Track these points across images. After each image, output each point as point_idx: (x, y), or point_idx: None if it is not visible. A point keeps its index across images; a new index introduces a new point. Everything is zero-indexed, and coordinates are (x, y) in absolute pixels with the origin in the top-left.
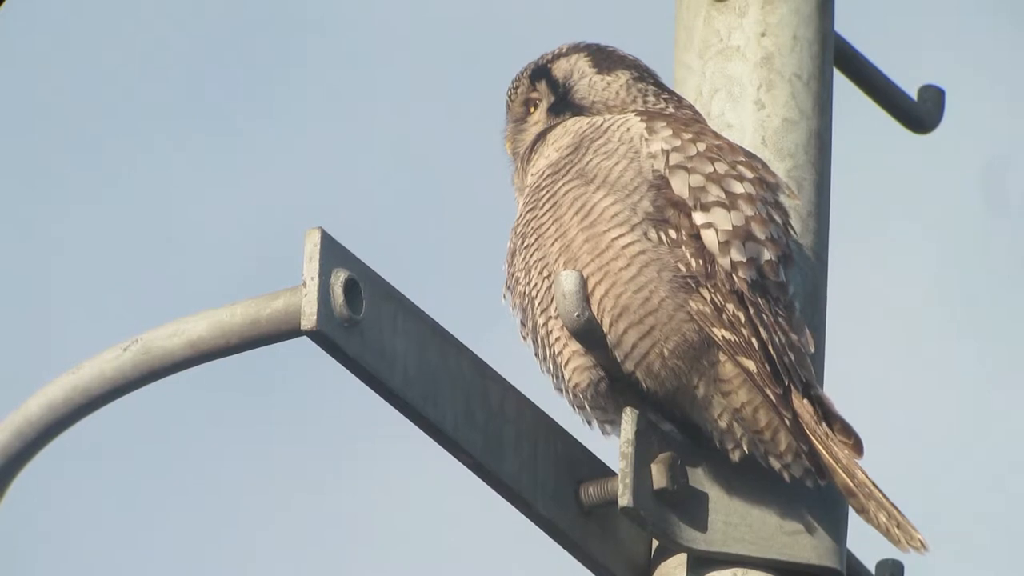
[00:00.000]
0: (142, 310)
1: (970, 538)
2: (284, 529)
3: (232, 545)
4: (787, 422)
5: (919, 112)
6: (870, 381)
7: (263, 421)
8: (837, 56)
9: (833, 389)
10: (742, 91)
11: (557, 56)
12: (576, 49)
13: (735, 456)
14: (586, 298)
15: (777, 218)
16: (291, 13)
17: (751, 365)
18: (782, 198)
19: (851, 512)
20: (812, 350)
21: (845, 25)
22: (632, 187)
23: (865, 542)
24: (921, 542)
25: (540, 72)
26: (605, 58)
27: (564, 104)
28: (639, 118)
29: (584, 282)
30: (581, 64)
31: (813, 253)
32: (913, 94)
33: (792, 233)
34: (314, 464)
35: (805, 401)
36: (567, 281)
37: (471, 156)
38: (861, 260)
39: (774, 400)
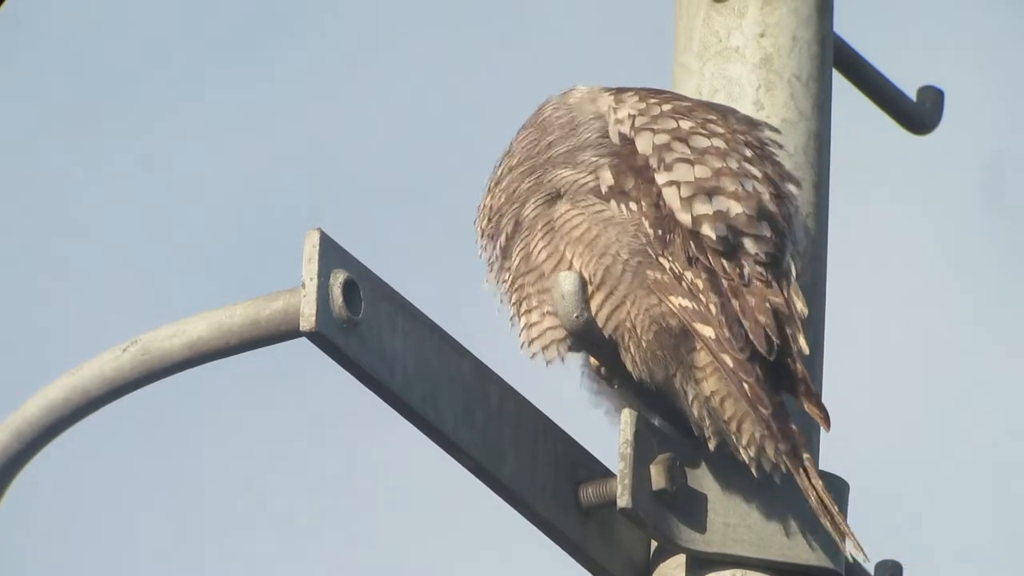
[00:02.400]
0: (142, 310)
1: (970, 537)
2: (284, 529)
3: (232, 545)
4: (746, 387)
5: (918, 113)
6: (869, 379)
7: (262, 422)
8: (836, 57)
9: (831, 386)
10: (741, 92)
11: None
12: None
13: (711, 445)
14: (586, 299)
15: (755, 171)
16: (290, 9)
17: (709, 331)
18: (770, 144)
19: (849, 514)
20: (806, 310)
21: (844, 26)
22: (589, 139)
23: (864, 543)
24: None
25: None
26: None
27: None
28: (607, 92)
29: (584, 283)
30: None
31: (812, 253)
32: (912, 95)
33: (787, 185)
34: (312, 465)
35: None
36: (566, 282)
37: (473, 156)
38: (860, 261)
39: (731, 365)
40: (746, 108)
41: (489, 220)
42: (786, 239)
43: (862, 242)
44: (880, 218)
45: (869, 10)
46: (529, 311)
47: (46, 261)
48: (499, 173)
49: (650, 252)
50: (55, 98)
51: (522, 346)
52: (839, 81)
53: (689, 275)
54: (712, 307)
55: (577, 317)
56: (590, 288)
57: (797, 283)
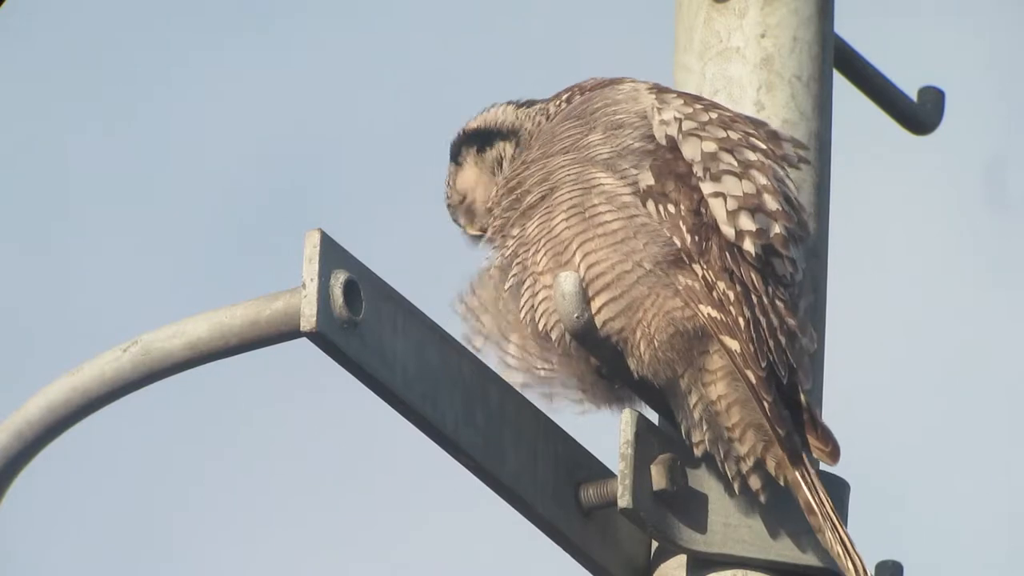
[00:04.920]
0: (142, 310)
1: (971, 537)
2: (283, 528)
3: (232, 544)
4: (766, 405)
5: (919, 113)
6: (869, 379)
7: (262, 422)
8: (837, 57)
9: (832, 386)
10: (742, 92)
11: (486, 124)
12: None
13: (698, 451)
14: (586, 299)
15: (789, 192)
16: (290, 6)
17: (735, 345)
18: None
19: (849, 514)
20: (814, 345)
21: (845, 26)
22: (631, 146)
23: (864, 544)
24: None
25: (486, 136)
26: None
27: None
28: (649, 90)
29: (584, 284)
30: (501, 106)
31: (813, 253)
32: (913, 95)
33: (803, 211)
34: (312, 465)
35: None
36: (566, 282)
37: None
38: (861, 261)
39: (754, 382)
40: (747, 108)
41: (510, 192)
42: (799, 266)
43: (863, 242)
44: (881, 218)
45: (869, 10)
46: (536, 291)
47: (46, 261)
48: (532, 154)
49: (683, 258)
50: (54, 96)
51: (525, 317)
52: (840, 81)
53: (721, 285)
54: (741, 320)
55: (578, 318)
56: (592, 290)
57: (806, 316)
